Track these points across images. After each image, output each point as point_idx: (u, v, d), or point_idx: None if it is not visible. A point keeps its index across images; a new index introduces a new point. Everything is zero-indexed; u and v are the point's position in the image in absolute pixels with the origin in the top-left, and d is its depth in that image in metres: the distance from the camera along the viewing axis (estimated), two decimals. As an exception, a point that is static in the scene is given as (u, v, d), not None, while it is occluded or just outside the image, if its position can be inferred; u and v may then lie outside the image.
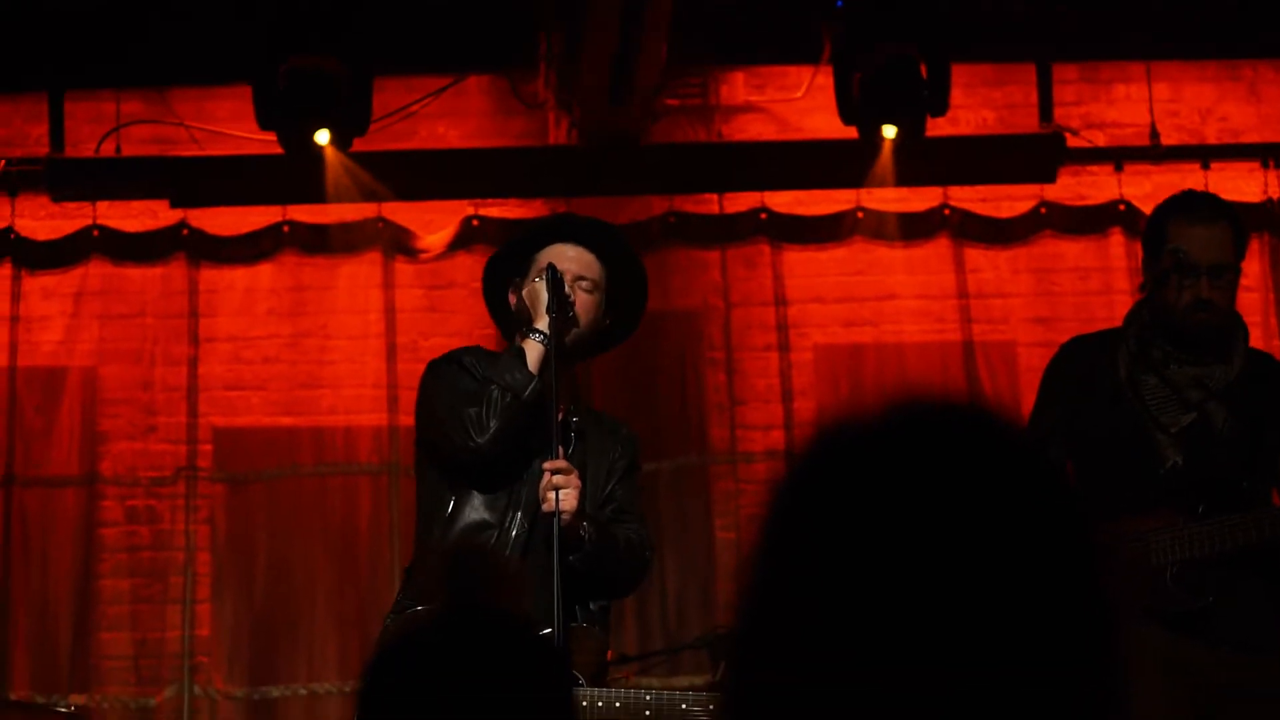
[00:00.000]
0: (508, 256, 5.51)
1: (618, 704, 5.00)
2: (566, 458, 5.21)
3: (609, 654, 5.18)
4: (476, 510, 5.19)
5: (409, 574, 5.32)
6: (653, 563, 5.47)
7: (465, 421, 5.09)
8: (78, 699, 8.48)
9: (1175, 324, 5.55)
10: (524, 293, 5.31)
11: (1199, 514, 5.42)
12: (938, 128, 8.62)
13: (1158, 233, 5.64)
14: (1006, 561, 1.38)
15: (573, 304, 5.22)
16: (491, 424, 5.07)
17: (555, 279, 5.17)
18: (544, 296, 5.17)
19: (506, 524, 5.14)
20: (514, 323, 5.41)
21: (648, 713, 5.05)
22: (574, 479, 5.04)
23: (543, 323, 5.16)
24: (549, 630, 4.80)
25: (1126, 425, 5.58)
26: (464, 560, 2.44)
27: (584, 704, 4.98)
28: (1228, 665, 5.40)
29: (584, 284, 5.30)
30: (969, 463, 1.42)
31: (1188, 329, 5.55)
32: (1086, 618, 1.41)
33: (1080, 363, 5.76)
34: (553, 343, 5.12)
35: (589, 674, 5.04)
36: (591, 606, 5.18)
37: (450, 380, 5.28)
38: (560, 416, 5.24)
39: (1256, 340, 8.00)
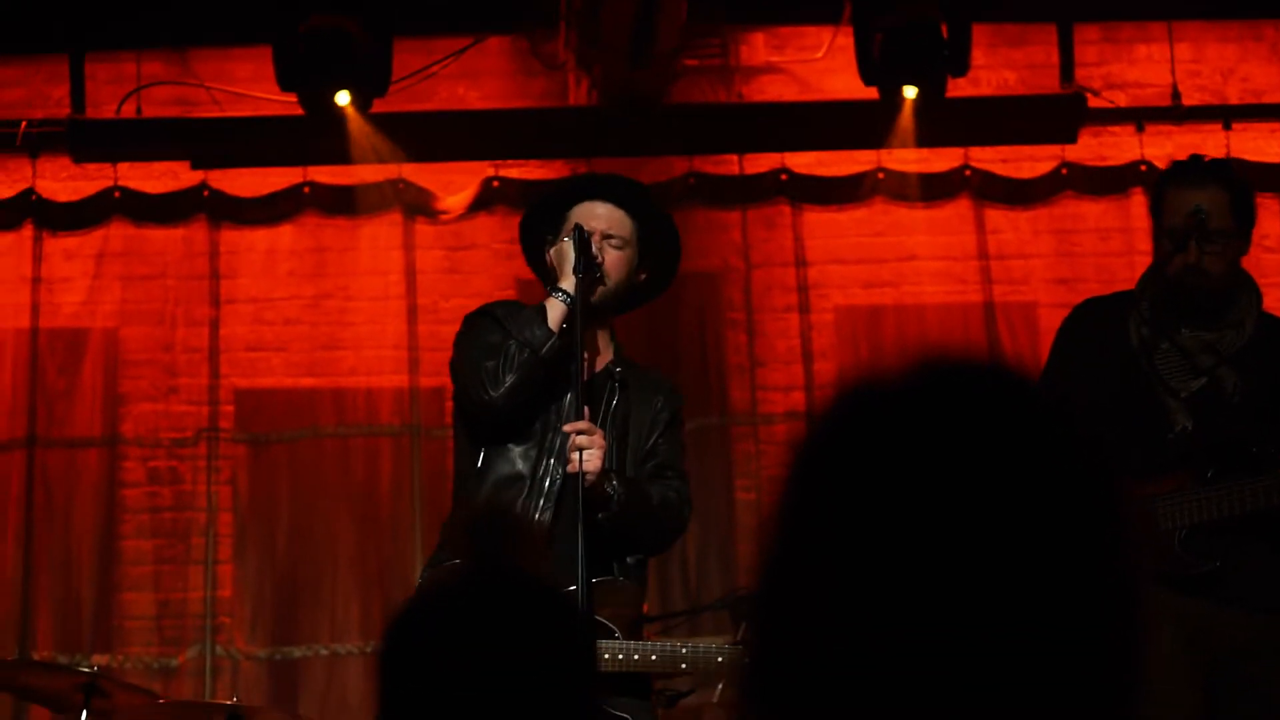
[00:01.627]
0: (541, 214, 5.51)
1: (654, 656, 5.02)
2: (610, 410, 5.23)
3: (644, 607, 5.19)
4: (510, 462, 5.20)
5: (444, 530, 5.34)
6: (689, 521, 5.46)
7: (482, 375, 5.11)
8: (100, 659, 8.51)
9: (1171, 288, 5.55)
10: (552, 251, 5.32)
11: (1207, 479, 5.42)
12: (958, 88, 8.60)
13: (1157, 199, 5.65)
14: (1029, 521, 1.38)
15: (600, 263, 5.22)
16: (507, 379, 5.08)
17: (582, 238, 5.18)
18: (570, 256, 5.18)
19: (540, 475, 5.15)
20: (550, 281, 5.42)
21: (684, 665, 5.07)
22: (598, 439, 5.05)
23: (568, 282, 5.16)
24: (574, 587, 4.82)
25: (1137, 389, 5.57)
26: (486, 519, 2.44)
27: (620, 656, 5.00)
28: (1239, 625, 5.41)
29: (614, 241, 5.31)
30: (991, 422, 1.42)
31: (1180, 293, 5.54)
32: (1109, 579, 1.41)
33: (1093, 325, 5.75)
34: (578, 302, 5.12)
35: (624, 627, 5.06)
36: (628, 561, 5.19)
37: (479, 333, 5.30)
38: (590, 373, 5.25)
39: (1276, 301, 7.99)
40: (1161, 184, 5.68)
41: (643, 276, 5.44)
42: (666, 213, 5.60)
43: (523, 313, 5.26)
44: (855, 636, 1.38)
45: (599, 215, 5.32)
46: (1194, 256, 5.47)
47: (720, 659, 5.06)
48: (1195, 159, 5.75)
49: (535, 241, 5.54)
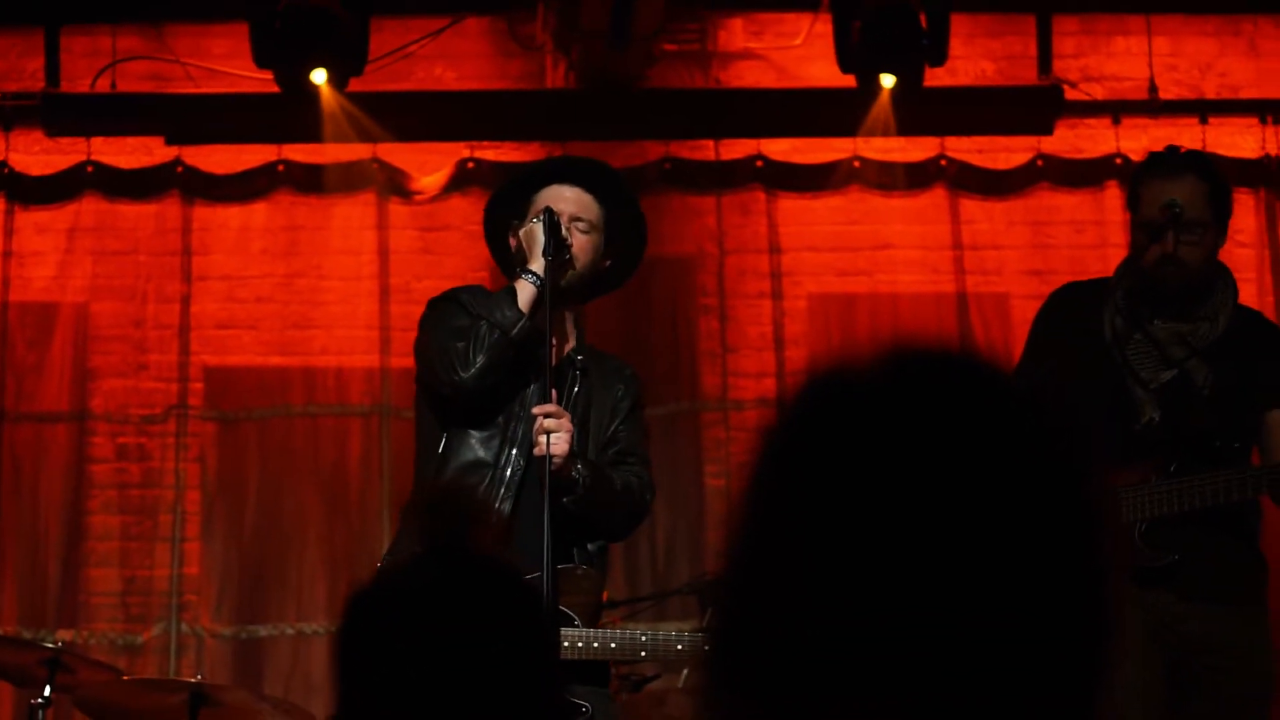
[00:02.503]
0: (507, 198, 5.50)
1: (613, 644, 5.02)
2: (571, 397, 5.22)
3: (604, 595, 5.18)
4: (471, 449, 5.19)
5: (403, 516, 5.31)
6: (651, 507, 5.45)
7: (451, 356, 5.09)
8: (65, 634, 8.49)
9: (1148, 280, 5.55)
10: (521, 234, 5.30)
11: (1170, 472, 5.43)
12: (936, 78, 8.60)
13: (1134, 190, 5.65)
14: (998, 511, 1.38)
15: (569, 246, 5.21)
16: (477, 359, 5.06)
17: (551, 221, 5.16)
18: (540, 238, 5.16)
19: (501, 462, 5.14)
20: (515, 265, 5.40)
21: (643, 653, 5.07)
22: (565, 422, 5.03)
23: (537, 264, 5.14)
24: (537, 574, 4.80)
25: (1108, 379, 5.58)
26: (446, 502, 2.43)
27: (580, 644, 4.99)
28: (1198, 618, 5.43)
29: (581, 225, 5.29)
30: (961, 412, 1.41)
31: (1156, 284, 5.54)
32: (1078, 570, 1.41)
33: (1070, 311, 5.76)
34: (547, 284, 5.10)
35: (585, 615, 5.05)
36: (589, 547, 5.18)
37: (445, 317, 5.27)
38: (558, 357, 5.24)
39: (1249, 296, 8.01)
40: (1138, 175, 5.68)
41: (607, 263, 5.42)
42: (635, 199, 5.58)
43: (491, 295, 5.24)
44: (821, 624, 1.37)
45: (567, 199, 5.31)
46: (1171, 247, 5.47)
47: (680, 647, 5.06)
48: (1172, 150, 5.76)
49: (499, 226, 5.52)
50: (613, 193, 5.42)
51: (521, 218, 5.35)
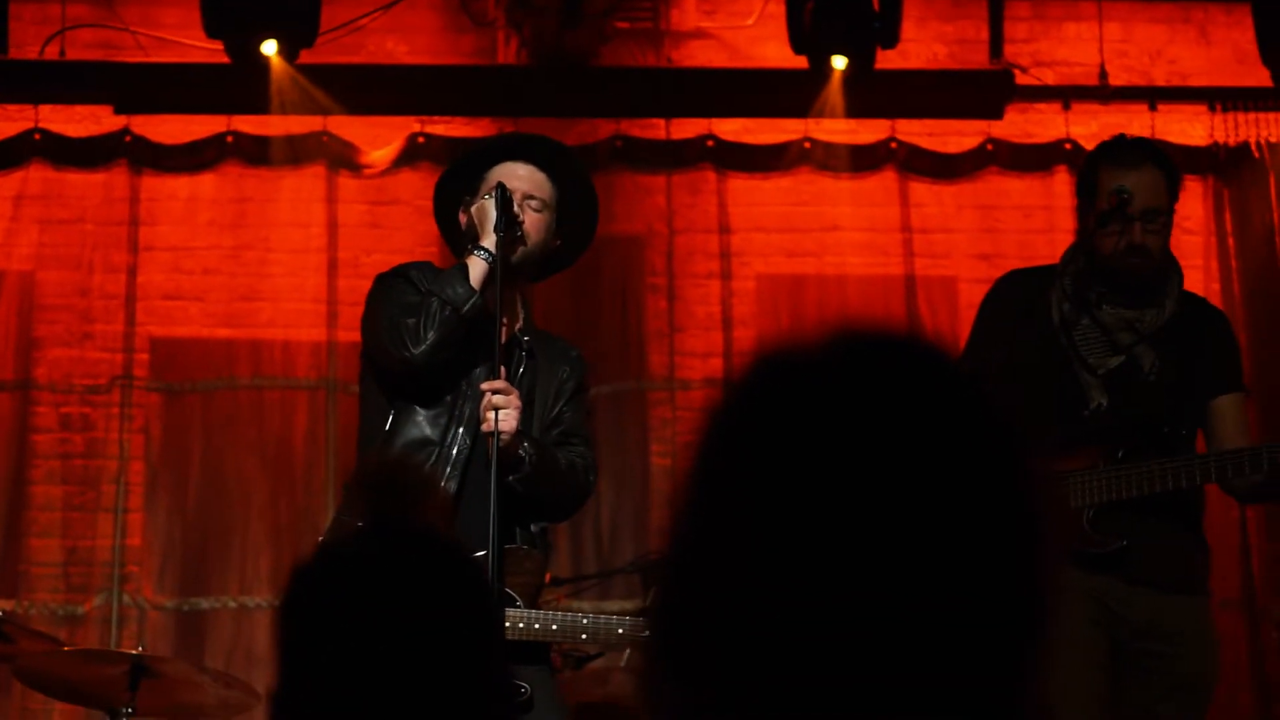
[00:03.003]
0: (459, 174, 5.47)
1: (554, 626, 5.01)
2: (516, 377, 5.20)
3: (546, 576, 5.17)
4: (418, 426, 5.17)
5: (346, 491, 5.30)
6: (594, 488, 5.43)
7: (402, 332, 5.06)
8: (5, 604, 8.44)
9: (1108, 267, 5.56)
10: (473, 209, 5.27)
11: (1118, 458, 5.45)
12: (888, 60, 8.62)
13: (1091, 177, 5.65)
14: (940, 493, 1.38)
15: (521, 223, 5.19)
16: (429, 335, 5.04)
17: (504, 197, 5.13)
18: (492, 214, 5.13)
19: (448, 441, 5.12)
20: (464, 241, 5.38)
21: (584, 635, 5.06)
22: (514, 399, 5.00)
23: (489, 240, 5.12)
24: (483, 552, 4.79)
25: (1055, 364, 5.60)
26: (390, 477, 2.43)
27: (520, 624, 4.98)
28: (1144, 604, 5.45)
29: (533, 203, 5.27)
30: (906, 394, 1.41)
31: (1121, 273, 5.55)
32: (1019, 554, 1.41)
33: (1017, 297, 5.76)
34: (499, 261, 5.09)
35: (526, 595, 5.03)
36: (532, 528, 5.16)
37: (395, 293, 5.25)
38: (507, 336, 5.22)
39: (1195, 283, 8.04)
40: (1095, 163, 5.67)
41: (558, 242, 5.41)
42: (588, 178, 5.56)
43: (442, 272, 5.22)
44: (762, 603, 1.37)
45: (520, 176, 5.28)
46: (1138, 236, 5.49)
47: (621, 630, 5.05)
48: (1128, 139, 5.77)
49: (449, 201, 5.49)
50: (566, 171, 5.40)
51: (473, 194, 5.33)
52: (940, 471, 1.38)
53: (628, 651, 7.59)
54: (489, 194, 5.19)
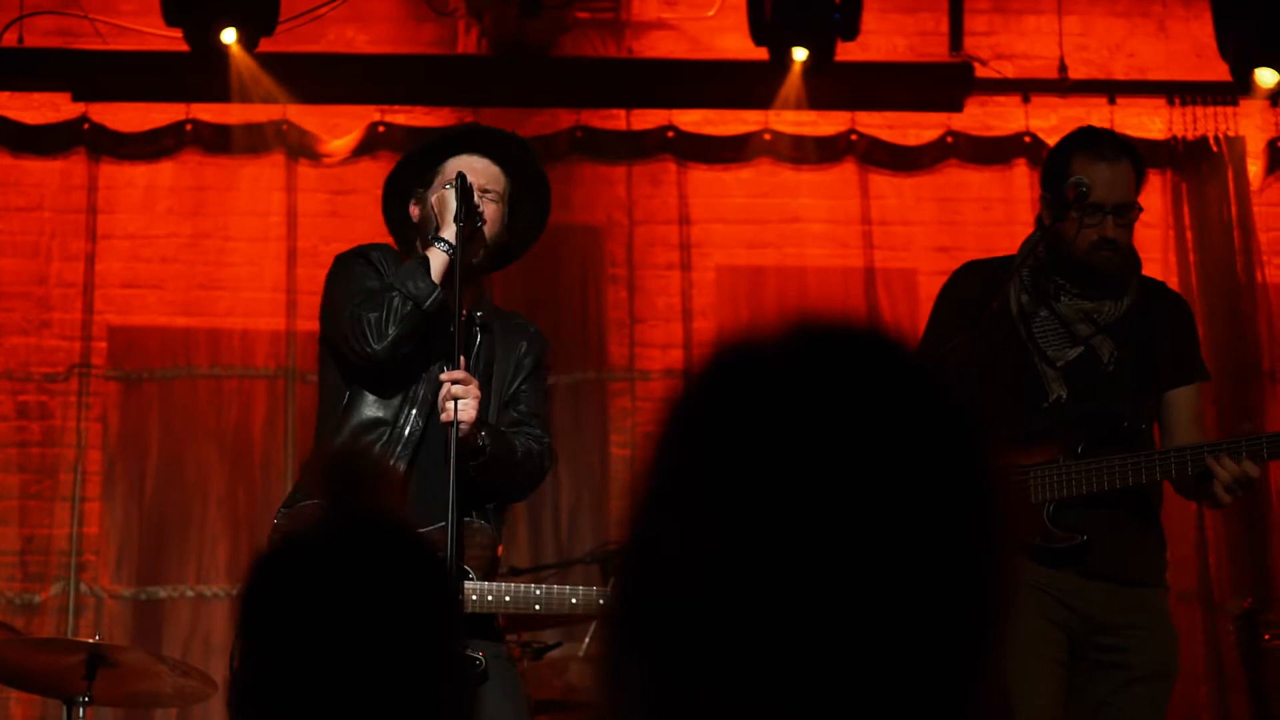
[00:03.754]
0: (411, 166, 5.46)
1: (507, 598, 5.01)
2: (472, 355, 5.19)
3: (499, 549, 5.16)
4: (371, 408, 5.16)
5: (303, 470, 5.30)
6: (550, 471, 5.42)
7: (365, 326, 5.05)
8: (-38, 593, 8.43)
9: (1076, 260, 5.55)
10: (433, 200, 5.26)
11: (1078, 453, 5.46)
12: (848, 52, 8.63)
13: (1061, 166, 5.62)
14: (898, 485, 1.38)
15: (481, 214, 5.18)
16: (390, 330, 5.04)
17: (465, 188, 5.13)
18: (453, 205, 5.13)
19: (400, 422, 5.12)
20: (412, 234, 5.38)
21: (537, 607, 5.06)
22: (473, 389, 5.00)
23: (449, 231, 5.12)
24: (439, 525, 4.80)
25: (1013, 356, 5.60)
26: (344, 461, 2.43)
27: (474, 598, 4.99)
28: (1103, 598, 5.46)
29: (490, 195, 5.27)
30: (865, 386, 1.42)
31: (1092, 267, 5.55)
32: (975, 547, 1.42)
33: (973, 289, 5.75)
34: (459, 252, 5.08)
35: (480, 569, 5.04)
36: (487, 506, 5.17)
37: (355, 276, 5.24)
38: (464, 318, 5.20)
39: (1153, 276, 8.07)
40: (1066, 156, 5.63)
41: (505, 237, 5.39)
42: (543, 171, 5.53)
43: (404, 265, 5.21)
44: (722, 594, 1.38)
45: (477, 170, 5.27)
46: (1110, 230, 5.50)
47: (574, 601, 5.06)
48: (1098, 132, 5.77)
49: (398, 194, 5.47)
50: (519, 163, 5.40)
51: (426, 186, 5.32)
52: (898, 464, 1.39)
53: (586, 641, 7.61)
54: (449, 184, 5.19)
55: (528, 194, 5.42)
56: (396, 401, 5.16)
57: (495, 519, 5.19)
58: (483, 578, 5.05)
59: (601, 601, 5.03)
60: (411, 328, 5.06)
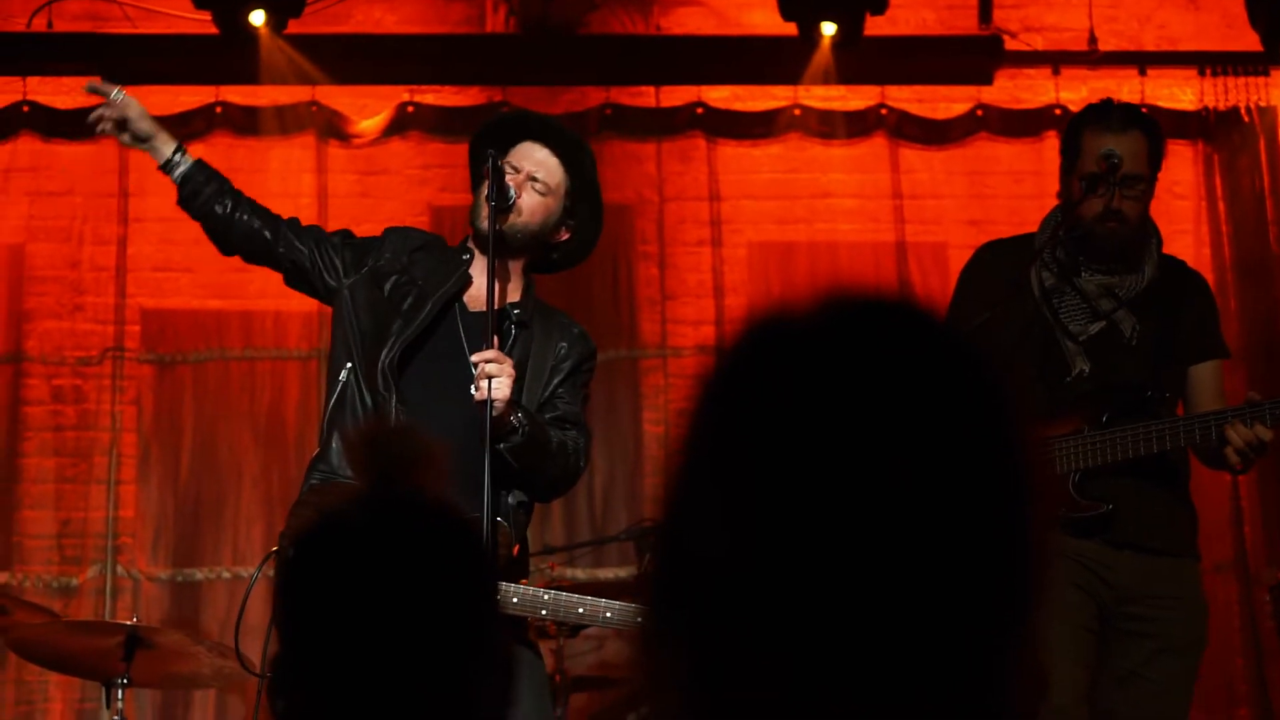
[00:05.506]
0: (491, 137, 5.40)
1: (514, 600, 4.96)
2: (506, 348, 5.13)
3: (515, 549, 5.10)
4: (363, 396, 5.13)
5: (333, 445, 5.21)
6: (583, 472, 5.35)
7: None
8: (0, 576, 8.47)
9: (1085, 232, 5.56)
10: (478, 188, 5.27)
11: (1103, 423, 5.46)
12: (877, 26, 8.61)
13: (1074, 140, 5.64)
14: (933, 452, 1.38)
15: (510, 195, 5.16)
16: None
17: (496, 167, 5.12)
18: (484, 186, 5.14)
19: (382, 414, 5.06)
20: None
21: (544, 612, 5.01)
22: (507, 367, 4.94)
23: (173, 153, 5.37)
24: (475, 515, 4.77)
25: (1036, 332, 5.60)
26: (387, 438, 2.43)
27: None
28: (1130, 567, 5.46)
29: (538, 185, 5.24)
30: (898, 358, 1.42)
31: (1098, 238, 5.56)
32: (1010, 517, 1.42)
33: (995, 267, 5.76)
34: (493, 231, 5.07)
35: None
36: (510, 500, 5.11)
37: (359, 239, 5.37)
38: (500, 303, 5.18)
39: (1186, 248, 8.06)
40: (1078, 127, 5.66)
41: (565, 235, 5.37)
42: (597, 183, 5.48)
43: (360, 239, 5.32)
44: (760, 569, 1.38)
45: (534, 158, 5.27)
46: (1116, 201, 5.49)
47: (581, 610, 5.01)
48: (1113, 104, 5.76)
49: (475, 167, 5.44)
50: (581, 169, 5.36)
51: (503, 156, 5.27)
52: (934, 433, 1.39)
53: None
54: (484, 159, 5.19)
55: (586, 205, 5.39)
56: (381, 391, 5.11)
57: (515, 518, 5.13)
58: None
59: (608, 614, 4.99)
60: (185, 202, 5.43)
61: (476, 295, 5.22)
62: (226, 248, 5.47)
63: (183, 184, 5.36)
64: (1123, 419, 5.46)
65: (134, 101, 5.36)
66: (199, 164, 5.39)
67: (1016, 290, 5.61)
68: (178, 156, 5.36)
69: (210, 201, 5.37)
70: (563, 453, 5.14)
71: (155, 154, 5.39)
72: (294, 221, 5.43)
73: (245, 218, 5.39)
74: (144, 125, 5.38)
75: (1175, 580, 5.54)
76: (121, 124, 5.36)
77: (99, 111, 5.30)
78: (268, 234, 5.39)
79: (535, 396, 5.17)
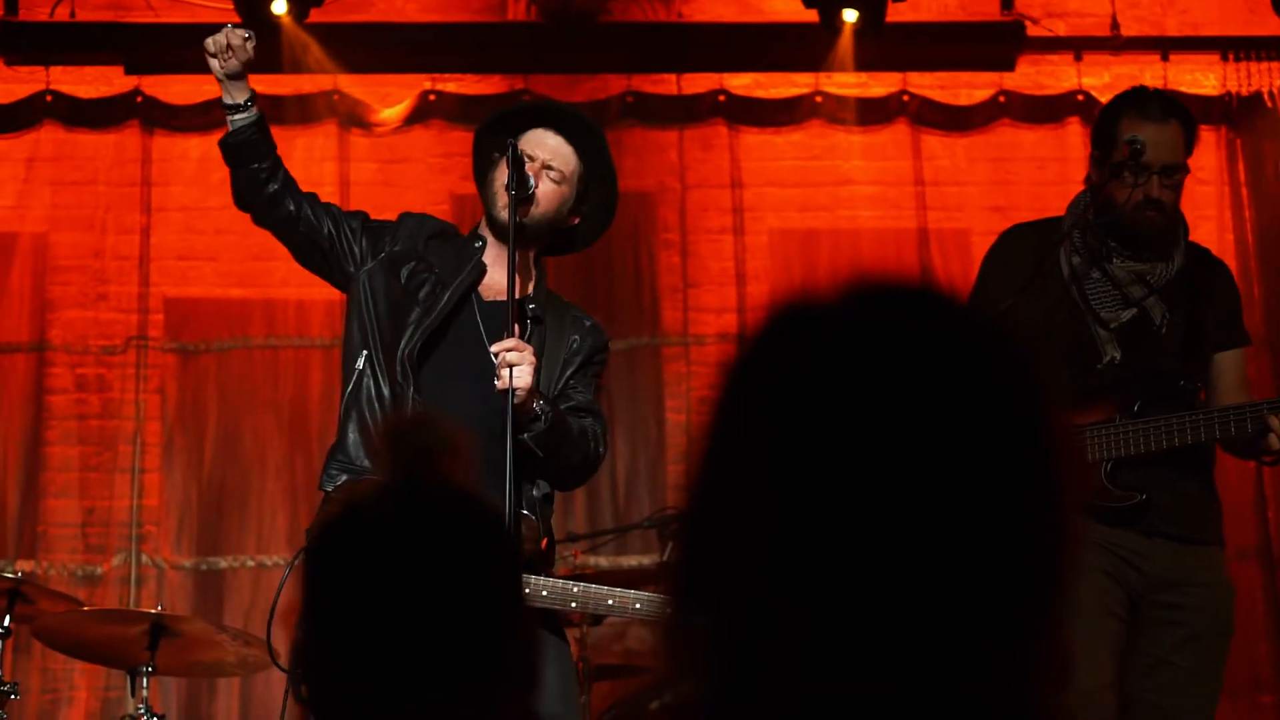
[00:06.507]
0: (493, 131, 5.40)
1: (544, 592, 4.96)
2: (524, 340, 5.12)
3: (543, 542, 5.10)
4: (380, 386, 5.12)
5: (353, 439, 5.20)
6: (602, 460, 5.35)
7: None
8: (24, 565, 8.48)
9: (1123, 221, 5.54)
10: (491, 175, 5.27)
11: (1134, 411, 5.45)
12: (899, 13, 8.60)
13: (1110, 127, 5.61)
14: (960, 438, 1.38)
15: (530, 185, 5.16)
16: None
17: (516, 156, 5.11)
18: (503, 172, 5.14)
19: (399, 404, 5.05)
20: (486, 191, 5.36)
21: (573, 604, 5.01)
22: (528, 355, 4.93)
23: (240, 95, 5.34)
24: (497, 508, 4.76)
25: (1066, 318, 5.59)
26: (414, 431, 2.43)
27: None
28: (1162, 556, 5.45)
29: (553, 174, 5.23)
30: (922, 344, 1.42)
31: (1136, 227, 5.54)
32: (1038, 502, 1.42)
33: (1021, 252, 5.73)
34: (513, 221, 5.06)
35: (522, 561, 4.97)
36: (534, 493, 5.10)
37: (378, 223, 5.37)
38: (520, 294, 5.17)
39: (1209, 234, 8.05)
40: (1116, 115, 5.62)
41: (575, 221, 5.37)
42: (612, 162, 5.48)
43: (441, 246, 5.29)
44: (785, 556, 1.38)
45: (548, 146, 5.26)
46: (1155, 190, 5.47)
47: (610, 601, 5.01)
48: (1148, 92, 5.73)
49: (483, 155, 5.45)
50: (594, 153, 5.36)
51: (503, 150, 5.27)
52: (960, 419, 1.39)
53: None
54: (499, 153, 5.20)
55: (599, 183, 5.39)
56: (400, 380, 5.11)
57: (542, 509, 5.13)
58: (525, 570, 4.98)
59: (638, 605, 4.99)
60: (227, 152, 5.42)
61: (491, 285, 5.22)
62: (246, 206, 5.47)
63: (240, 130, 5.35)
64: (1155, 408, 5.45)
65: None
66: (261, 119, 5.39)
67: (1044, 272, 5.59)
68: (248, 104, 5.35)
69: (252, 159, 5.36)
70: (584, 439, 5.14)
71: (232, 94, 5.37)
72: (314, 197, 5.44)
73: (277, 189, 5.39)
74: (243, 66, 5.40)
75: (1204, 568, 5.53)
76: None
77: (233, 58, 5.30)
78: (292, 207, 5.39)
79: (549, 389, 5.16)
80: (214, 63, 5.33)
